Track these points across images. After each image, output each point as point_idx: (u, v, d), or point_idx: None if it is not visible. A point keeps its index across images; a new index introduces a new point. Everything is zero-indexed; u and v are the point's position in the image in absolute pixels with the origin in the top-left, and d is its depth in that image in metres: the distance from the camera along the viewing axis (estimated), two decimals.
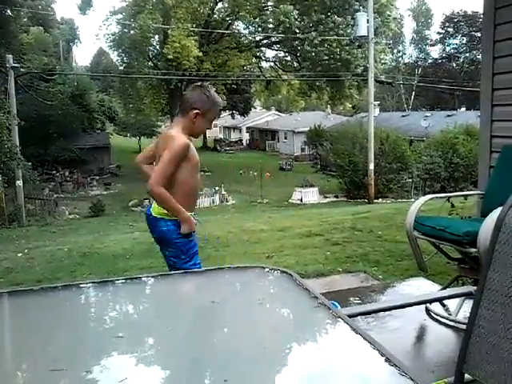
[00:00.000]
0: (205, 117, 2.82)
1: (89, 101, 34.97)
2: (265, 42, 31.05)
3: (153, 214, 2.86)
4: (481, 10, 4.37)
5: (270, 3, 28.07)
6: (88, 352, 1.01)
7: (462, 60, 49.30)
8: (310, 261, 5.52)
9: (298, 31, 25.99)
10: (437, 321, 3.08)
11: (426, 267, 3.62)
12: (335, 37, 24.69)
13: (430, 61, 52.55)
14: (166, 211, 2.80)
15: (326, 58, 25.19)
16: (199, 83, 2.99)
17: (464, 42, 49.23)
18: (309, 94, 32.68)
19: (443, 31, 50.32)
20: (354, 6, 24.95)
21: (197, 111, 2.77)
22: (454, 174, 19.95)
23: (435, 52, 54.75)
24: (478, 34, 43.38)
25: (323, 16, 25.24)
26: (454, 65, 49.48)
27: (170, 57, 24.28)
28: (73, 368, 0.92)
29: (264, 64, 34.28)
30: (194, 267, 2.82)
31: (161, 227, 2.82)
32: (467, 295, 2.63)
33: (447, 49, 51.02)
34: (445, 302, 3.15)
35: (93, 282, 1.41)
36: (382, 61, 26.56)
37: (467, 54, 48.85)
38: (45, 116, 27.34)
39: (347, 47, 24.84)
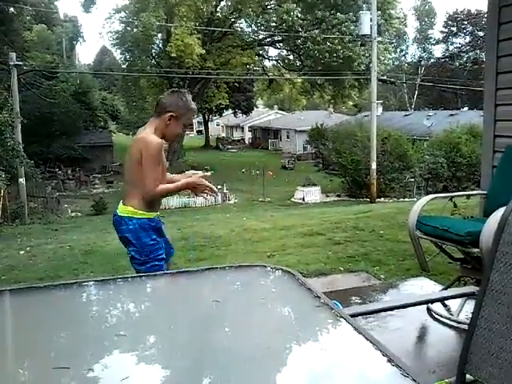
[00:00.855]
0: (179, 120, 2.85)
1: (91, 99, 35.03)
2: (267, 40, 31.02)
3: (118, 213, 2.87)
4: (484, 9, 4.35)
5: (272, 1, 28.00)
6: (90, 350, 1.01)
7: (465, 59, 49.18)
8: (312, 260, 5.51)
9: (300, 29, 25.95)
10: (438, 321, 3.08)
11: (428, 267, 3.62)
12: (338, 34, 24.65)
13: (432, 60, 52.47)
14: (130, 210, 2.79)
15: (328, 55, 25.15)
16: (176, 89, 3.06)
17: (467, 41, 49.11)
18: (311, 93, 32.65)
19: (446, 30, 50.22)
20: (358, 2, 24.88)
21: (171, 114, 2.81)
22: (456, 173, 19.92)
23: (438, 51, 54.61)
24: (482, 33, 43.31)
25: (326, 13, 25.20)
26: (457, 64, 49.35)
27: (173, 55, 24.28)
28: (75, 366, 0.92)
29: (266, 63, 34.30)
30: (153, 269, 2.76)
31: (124, 225, 2.82)
32: (469, 295, 2.62)
33: (450, 48, 50.95)
34: (446, 302, 3.15)
35: (95, 281, 1.41)
36: (385, 60, 26.48)
37: (470, 54, 48.73)
38: (47, 114, 27.38)
39: (350, 44, 24.78)
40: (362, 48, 24.57)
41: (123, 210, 2.84)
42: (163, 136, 2.84)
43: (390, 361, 0.91)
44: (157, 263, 2.83)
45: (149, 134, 2.77)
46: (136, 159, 2.75)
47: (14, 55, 19.02)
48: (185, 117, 2.88)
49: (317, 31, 25.06)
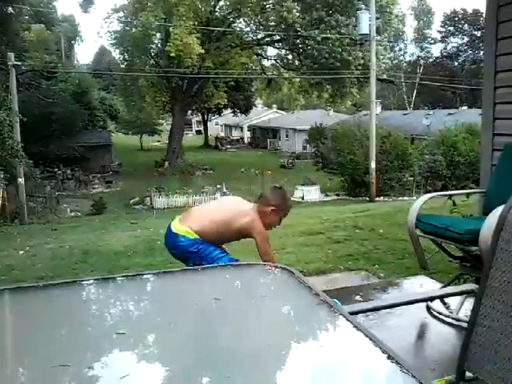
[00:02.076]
0: (278, 214, 3.23)
1: (90, 99, 34.98)
2: (266, 40, 31.00)
3: (173, 230, 3.10)
4: (482, 9, 4.36)
5: (271, 0, 27.98)
6: (90, 348, 1.01)
7: (463, 58, 49.21)
8: (312, 259, 5.52)
9: (300, 29, 25.95)
10: (438, 319, 3.08)
11: (428, 265, 3.62)
12: (337, 35, 24.65)
13: (431, 59, 52.48)
14: (185, 230, 3.02)
15: (327, 56, 25.15)
16: (279, 186, 3.54)
17: (465, 40, 49.14)
18: (310, 92, 32.64)
19: (444, 30, 50.25)
20: (357, 4, 24.88)
21: (273, 208, 3.18)
22: (455, 172, 19.94)
23: (437, 50, 54.72)
24: (479, 33, 43.33)
25: (325, 14, 25.20)
26: (456, 63, 49.40)
27: (173, 54, 24.25)
28: (75, 364, 0.92)
29: (265, 62, 34.25)
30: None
31: (179, 242, 3.03)
32: (468, 293, 2.63)
33: (448, 47, 50.97)
34: (446, 300, 3.15)
35: (94, 279, 1.41)
36: (383, 60, 26.48)
37: (469, 52, 48.77)
38: (46, 114, 27.35)
39: (348, 47, 24.79)
40: (360, 50, 24.57)
41: (177, 227, 3.08)
42: (262, 221, 3.16)
43: (389, 358, 0.91)
44: (218, 262, 2.99)
45: (257, 219, 3.12)
46: (238, 229, 3.09)
47: (12, 55, 18.98)
48: (283, 212, 3.27)
49: (316, 31, 25.03)
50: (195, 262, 2.96)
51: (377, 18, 20.60)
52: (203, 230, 3.02)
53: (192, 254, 3.00)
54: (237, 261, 3.04)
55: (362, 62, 24.57)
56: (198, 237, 3.00)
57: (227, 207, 3.30)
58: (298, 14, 25.58)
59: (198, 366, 0.94)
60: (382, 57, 25.52)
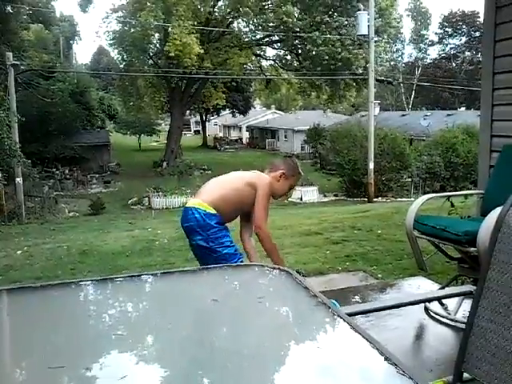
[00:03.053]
0: (287, 180, 3.23)
1: (89, 98, 34.93)
2: (265, 40, 31.01)
3: (186, 205, 3.14)
4: (479, 10, 4.37)
5: (270, 1, 27.98)
6: (87, 349, 1.01)
7: (461, 60, 49.30)
8: (310, 259, 5.52)
9: (299, 30, 25.97)
10: (436, 320, 3.09)
11: (426, 266, 3.62)
12: (337, 36, 24.67)
13: (429, 60, 52.57)
14: (198, 203, 3.02)
15: (327, 57, 25.17)
16: (289, 155, 3.44)
17: (463, 41, 49.24)
18: (308, 93, 32.66)
19: (442, 31, 50.35)
20: (357, 6, 24.91)
21: (283, 172, 3.20)
22: (453, 173, 19.97)
23: (434, 52, 54.83)
24: (477, 34, 43.42)
25: (325, 16, 25.23)
26: (454, 64, 49.49)
27: (172, 54, 24.22)
28: (72, 365, 0.91)
29: (264, 63, 34.26)
30: (226, 256, 2.93)
31: (190, 215, 3.00)
32: (466, 294, 2.63)
33: (446, 49, 51.06)
34: (444, 301, 3.15)
35: (92, 280, 1.41)
36: (381, 61, 26.51)
37: (467, 53, 48.86)
38: (45, 114, 27.31)
39: (350, 47, 24.81)
40: (361, 50, 24.59)
41: (191, 202, 3.11)
42: (271, 190, 3.16)
43: (386, 359, 0.91)
44: (227, 251, 2.97)
45: (266, 176, 3.17)
46: (247, 182, 3.10)
47: (10, 55, 18.96)
48: (293, 178, 3.28)
49: (316, 33, 25.04)
50: (202, 239, 2.97)
51: (376, 19, 20.65)
52: (215, 199, 3.01)
53: (201, 228, 2.96)
54: (241, 255, 3.07)
55: (362, 62, 24.55)
56: (210, 209, 2.97)
57: (241, 173, 3.35)
58: (297, 16, 25.56)
59: (196, 368, 0.93)
60: (380, 58, 25.55)
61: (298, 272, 3.11)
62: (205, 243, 2.96)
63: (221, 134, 57.80)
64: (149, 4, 24.97)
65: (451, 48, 50.60)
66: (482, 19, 4.72)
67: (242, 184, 3.09)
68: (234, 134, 56.93)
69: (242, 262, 3.00)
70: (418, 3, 52.25)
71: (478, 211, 3.96)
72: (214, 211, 2.97)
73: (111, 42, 30.65)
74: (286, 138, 43.82)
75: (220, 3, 30.25)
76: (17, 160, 15.50)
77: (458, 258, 3.40)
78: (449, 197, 3.82)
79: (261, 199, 3.04)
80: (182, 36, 23.91)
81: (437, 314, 3.10)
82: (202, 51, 25.06)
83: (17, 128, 17.43)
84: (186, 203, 3.23)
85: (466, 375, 1.52)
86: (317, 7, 25.79)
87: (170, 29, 25.00)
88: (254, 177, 3.14)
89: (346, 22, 24.73)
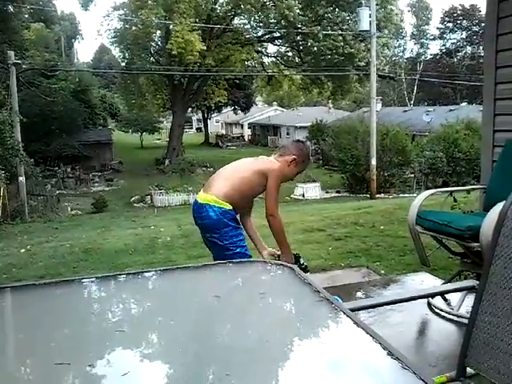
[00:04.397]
0: (297, 165, 3.18)
1: (91, 97, 34.97)
2: (267, 37, 30.96)
3: (198, 201, 3.03)
4: (480, 4, 4.35)
5: None
6: (91, 346, 1.01)
7: (462, 54, 49.14)
8: (313, 256, 5.52)
9: (300, 26, 25.90)
10: (439, 315, 3.08)
11: (429, 262, 3.62)
12: (340, 32, 24.62)
13: (430, 56, 52.42)
14: (212, 199, 2.95)
15: (329, 52, 25.11)
16: (301, 140, 3.38)
17: (464, 36, 49.07)
18: (310, 89, 32.61)
19: (443, 26, 50.17)
20: (358, 0, 24.85)
21: (294, 157, 3.14)
22: (456, 168, 19.93)
23: (436, 47, 54.70)
24: (478, 29, 43.24)
25: (328, 10, 25.16)
26: (455, 59, 49.31)
27: (174, 52, 24.19)
28: (76, 362, 0.92)
29: (266, 59, 34.21)
30: (238, 256, 2.90)
31: (205, 213, 2.96)
32: (469, 289, 2.62)
33: (448, 44, 50.91)
34: (447, 296, 3.15)
35: (95, 277, 1.41)
36: (383, 55, 26.45)
37: (469, 48, 48.69)
38: (47, 112, 27.35)
39: (352, 41, 24.76)
40: (362, 44, 24.55)
41: (204, 198, 3.00)
42: (281, 173, 3.11)
43: (390, 354, 0.91)
44: (239, 250, 2.96)
45: (276, 162, 3.11)
46: (257, 170, 3.05)
47: (12, 54, 18.97)
48: (303, 163, 3.22)
49: (318, 27, 24.99)
50: (217, 237, 2.96)
51: (377, 13, 20.60)
52: (228, 192, 2.97)
53: (216, 226, 2.95)
54: (250, 257, 3.04)
55: (365, 54, 24.48)
56: (225, 205, 2.95)
57: (250, 160, 3.27)
58: (298, 12, 25.50)
59: (198, 364, 0.94)
60: (382, 54, 25.49)
61: (304, 268, 3.12)
62: (218, 241, 2.97)
63: (223, 132, 57.78)
64: (150, 2, 24.95)
65: (452, 43, 50.48)
66: (483, 13, 4.70)
67: (252, 172, 3.05)
68: (235, 132, 56.89)
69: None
70: None
71: (481, 206, 3.95)
72: (228, 206, 2.95)
73: (113, 40, 30.67)
74: (288, 134, 43.77)
75: (221, 0, 30.22)
76: (19, 159, 15.54)
77: (461, 253, 3.40)
78: (451, 192, 3.82)
79: (273, 188, 3.01)
80: (184, 33, 23.89)
81: (440, 309, 3.10)
82: (204, 48, 25.03)
83: (19, 127, 17.46)
84: (197, 196, 3.11)
85: (469, 370, 1.52)
86: (319, 1, 25.72)
87: (171, 26, 24.97)
88: (264, 164, 3.09)
89: (348, 18, 24.68)
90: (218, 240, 2.96)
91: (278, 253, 3.20)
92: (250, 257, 3.07)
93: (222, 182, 3.04)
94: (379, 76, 24.95)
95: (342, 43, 24.72)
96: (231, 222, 2.97)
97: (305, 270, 3.12)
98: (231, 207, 2.96)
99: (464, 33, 49.08)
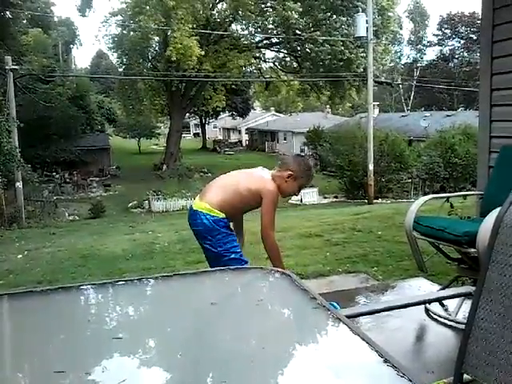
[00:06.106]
0: (296, 181, 3.12)
1: (88, 102, 34.98)
2: (265, 42, 31.06)
3: (193, 207, 3.06)
4: (478, 11, 4.38)
5: (270, 2, 28.00)
6: (88, 353, 1.01)
7: (459, 61, 49.39)
8: (310, 261, 5.51)
9: (299, 31, 26.01)
10: (436, 321, 3.09)
11: (426, 267, 3.63)
12: (339, 37, 24.74)
13: (427, 62, 52.69)
14: (205, 207, 2.97)
15: (328, 57, 25.21)
16: (301, 154, 3.32)
17: (461, 43, 49.35)
18: (308, 95, 32.69)
19: (441, 32, 50.46)
20: (358, 6, 24.96)
21: (291, 173, 3.08)
22: (453, 173, 19.98)
23: (433, 53, 55.01)
24: (475, 36, 43.51)
25: (326, 16, 25.28)
26: (452, 65, 49.57)
27: (173, 58, 24.24)
28: (72, 369, 0.92)
29: (264, 65, 34.30)
30: (233, 261, 2.92)
31: (198, 220, 2.99)
32: (467, 295, 2.63)
33: (445, 50, 51.19)
34: (444, 302, 3.16)
35: (92, 284, 1.41)
36: (383, 61, 26.55)
37: (465, 54, 48.95)
38: (44, 118, 27.34)
39: (352, 45, 24.86)
40: (361, 50, 24.65)
41: (199, 205, 3.03)
42: (279, 189, 3.08)
43: (386, 361, 0.91)
44: (233, 256, 2.98)
45: (270, 182, 3.05)
46: (250, 189, 3.02)
47: (9, 59, 18.98)
48: (302, 179, 3.15)
49: (317, 33, 25.09)
50: (211, 244, 2.98)
51: (374, 20, 20.70)
52: (221, 202, 2.99)
53: (210, 233, 2.97)
54: (246, 262, 3.06)
55: (363, 60, 24.57)
56: (218, 214, 2.97)
57: (246, 173, 3.23)
58: (297, 17, 25.62)
59: (195, 370, 0.94)
60: (380, 59, 25.59)
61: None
62: (212, 248, 2.99)
63: (220, 137, 57.85)
64: (148, 8, 25.02)
65: (450, 49, 50.76)
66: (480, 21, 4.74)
67: (247, 189, 3.04)
68: (233, 137, 56.96)
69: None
70: (417, 5, 52.44)
71: (478, 212, 3.96)
72: (221, 215, 2.97)
73: (110, 45, 30.73)
74: (285, 140, 43.85)
75: (220, 6, 30.33)
76: (16, 164, 15.51)
77: (458, 258, 3.40)
78: (448, 197, 3.82)
79: (268, 210, 2.99)
80: (182, 39, 23.95)
81: (437, 315, 3.10)
82: (203, 53, 25.09)
83: (16, 132, 17.45)
84: (193, 203, 3.13)
85: (466, 376, 1.52)
86: (318, 6, 25.84)
87: (170, 32, 25.03)
88: (259, 183, 3.04)
89: (347, 23, 24.79)
90: (211, 247, 2.99)
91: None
92: (247, 262, 3.07)
93: (216, 191, 3.06)
94: (376, 82, 25.05)
95: (341, 47, 24.82)
96: (223, 229, 2.99)
97: None
98: (224, 215, 2.99)
99: (462, 39, 49.37)
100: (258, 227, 3.09)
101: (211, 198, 3.01)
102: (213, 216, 2.96)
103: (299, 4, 25.52)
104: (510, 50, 3.96)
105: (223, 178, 3.23)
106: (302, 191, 21.26)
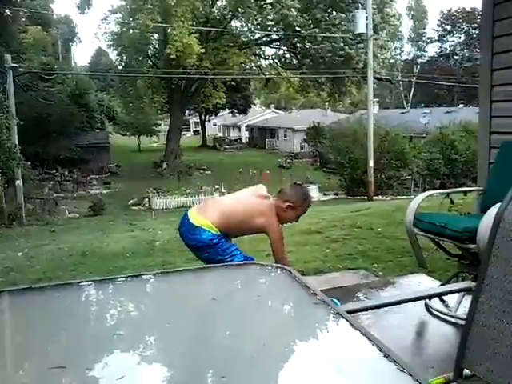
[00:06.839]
0: (294, 210, 3.18)
1: (88, 100, 34.90)
2: (264, 39, 31.00)
3: (193, 222, 3.05)
4: (479, 6, 4.37)
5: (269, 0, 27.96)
6: (88, 350, 1.01)
7: (459, 57, 49.34)
8: (310, 258, 5.51)
9: (298, 28, 25.95)
10: (436, 317, 3.09)
11: (426, 263, 3.62)
12: (339, 34, 24.67)
13: (427, 58, 52.61)
14: (208, 224, 3.00)
15: (328, 54, 25.17)
16: (298, 183, 3.49)
17: (462, 39, 49.29)
18: (308, 91, 32.66)
19: (441, 29, 50.39)
20: (357, 2, 24.90)
21: (289, 204, 3.14)
22: (453, 170, 19.98)
23: (433, 49, 54.98)
24: (476, 31, 43.44)
25: (326, 13, 25.23)
26: (452, 62, 49.51)
27: (173, 56, 24.19)
28: (73, 365, 0.92)
29: (263, 62, 34.27)
30: (238, 260, 2.97)
31: (198, 235, 3.01)
32: (467, 291, 2.63)
33: (445, 46, 51.11)
34: (445, 297, 3.15)
35: (93, 281, 1.41)
36: (383, 56, 26.48)
37: (465, 51, 48.89)
38: (44, 115, 27.30)
39: (352, 42, 24.81)
40: (361, 46, 24.60)
41: (198, 220, 3.05)
42: (277, 215, 3.14)
43: (386, 356, 0.92)
44: (237, 258, 3.02)
45: (272, 215, 3.10)
46: (255, 222, 3.08)
47: (9, 57, 18.97)
48: (300, 208, 3.21)
49: (317, 30, 25.03)
50: (210, 255, 3.00)
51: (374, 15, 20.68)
52: (224, 224, 3.03)
53: (209, 247, 3.00)
54: (251, 259, 3.08)
55: (363, 56, 24.53)
56: (218, 231, 3.01)
57: (246, 202, 3.24)
58: (296, 14, 25.55)
59: (195, 366, 0.94)
60: (380, 55, 25.54)
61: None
62: (215, 256, 3.01)
63: (220, 134, 57.79)
64: (147, 6, 24.95)
65: (450, 45, 50.69)
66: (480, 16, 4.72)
67: (249, 218, 3.09)
68: (233, 134, 56.92)
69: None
70: (418, 1, 52.34)
71: (478, 208, 3.96)
72: (219, 233, 3.02)
73: (110, 43, 30.67)
74: (285, 137, 43.82)
75: (219, 3, 30.26)
76: (16, 162, 15.51)
77: (459, 254, 3.40)
78: (448, 194, 3.82)
79: (276, 239, 3.10)
80: (182, 37, 23.89)
81: (437, 310, 3.10)
82: (202, 51, 25.05)
83: (16, 130, 17.45)
84: (191, 217, 3.11)
85: (466, 372, 1.52)
86: (317, 3, 25.78)
87: (169, 30, 24.96)
88: (262, 215, 3.08)
89: (346, 19, 24.73)
90: (213, 255, 3.00)
91: None
92: (252, 259, 3.08)
93: (220, 214, 3.08)
94: (376, 78, 25.01)
95: (341, 44, 24.78)
96: (222, 240, 3.05)
97: None
98: (223, 234, 3.05)
99: (462, 35, 49.30)
100: None
101: (214, 218, 3.04)
102: (213, 234, 3.01)
103: (297, 1, 25.50)
104: (511, 45, 3.95)
105: (230, 202, 3.29)
106: None
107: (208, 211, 3.10)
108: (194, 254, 3.18)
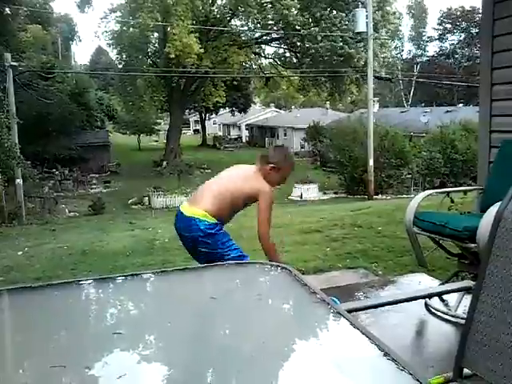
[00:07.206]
0: (278, 172, 3.20)
1: (88, 99, 34.89)
2: (264, 38, 30.98)
3: (186, 214, 3.05)
4: (479, 5, 4.36)
5: None
6: (88, 348, 1.01)
7: (460, 56, 49.32)
8: (310, 257, 5.52)
9: (298, 27, 25.93)
10: (436, 316, 3.09)
11: (426, 263, 3.63)
12: (339, 33, 24.66)
13: (427, 57, 52.60)
14: (201, 213, 2.98)
15: (328, 53, 25.15)
16: (280, 145, 3.40)
17: (462, 37, 49.27)
18: (308, 90, 32.64)
19: (441, 27, 50.37)
20: (357, 0, 24.88)
21: (272, 166, 3.17)
22: (453, 169, 19.98)
23: (433, 48, 55.00)
24: (476, 30, 43.43)
25: (326, 12, 25.21)
26: (452, 60, 49.50)
27: (172, 56, 24.16)
28: (72, 364, 0.92)
29: (263, 61, 34.24)
30: (235, 258, 2.94)
31: (194, 226, 2.99)
32: (466, 290, 2.63)
33: (445, 45, 51.11)
34: (444, 297, 3.16)
35: (93, 279, 1.41)
36: (383, 54, 26.46)
37: (466, 49, 48.87)
38: (44, 114, 27.27)
39: (352, 40, 24.80)
40: (361, 45, 24.58)
41: (191, 211, 3.04)
42: (267, 181, 3.15)
43: (386, 355, 0.91)
44: (234, 254, 3.01)
45: (263, 181, 3.12)
46: (247, 193, 3.08)
47: (9, 56, 18.95)
48: (284, 168, 3.25)
49: (317, 29, 25.02)
50: (209, 247, 2.98)
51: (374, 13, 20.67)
52: (219, 209, 3.02)
53: (207, 238, 2.98)
54: (246, 257, 3.08)
55: (364, 55, 24.50)
56: (214, 219, 3.00)
57: (233, 174, 3.28)
58: (296, 12, 25.53)
59: (195, 365, 0.94)
60: (380, 54, 25.52)
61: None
62: (212, 250, 2.99)
63: (220, 133, 57.78)
64: (147, 4, 24.91)
65: (450, 44, 50.70)
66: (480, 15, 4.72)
67: (244, 194, 3.08)
68: (233, 133, 56.91)
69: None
70: (418, 0, 52.32)
71: (478, 207, 3.96)
72: (215, 220, 3.00)
73: (110, 41, 30.65)
74: (285, 136, 43.79)
75: (219, 2, 30.22)
76: (16, 161, 15.51)
77: (459, 253, 3.40)
78: (448, 193, 3.82)
79: (265, 207, 3.04)
80: (182, 36, 23.85)
81: (437, 309, 3.10)
82: (202, 50, 25.03)
83: (16, 129, 17.45)
84: (183, 209, 3.12)
85: (466, 371, 1.52)
86: (317, 2, 25.76)
87: (169, 29, 24.94)
88: (255, 186, 3.09)
89: (347, 18, 24.73)
90: (210, 250, 2.99)
91: None
92: (247, 256, 3.08)
93: (212, 200, 3.06)
94: (376, 77, 24.99)
95: (340, 43, 24.76)
96: (220, 231, 3.04)
97: None
98: (218, 221, 3.03)
99: (462, 34, 49.29)
100: (256, 222, 3.09)
101: (207, 206, 3.02)
102: (210, 222, 2.98)
103: (297, 0, 25.46)
104: (511, 44, 3.95)
105: (216, 183, 3.24)
106: (302, 187, 21.19)
107: (200, 201, 3.09)
108: (193, 252, 3.15)
